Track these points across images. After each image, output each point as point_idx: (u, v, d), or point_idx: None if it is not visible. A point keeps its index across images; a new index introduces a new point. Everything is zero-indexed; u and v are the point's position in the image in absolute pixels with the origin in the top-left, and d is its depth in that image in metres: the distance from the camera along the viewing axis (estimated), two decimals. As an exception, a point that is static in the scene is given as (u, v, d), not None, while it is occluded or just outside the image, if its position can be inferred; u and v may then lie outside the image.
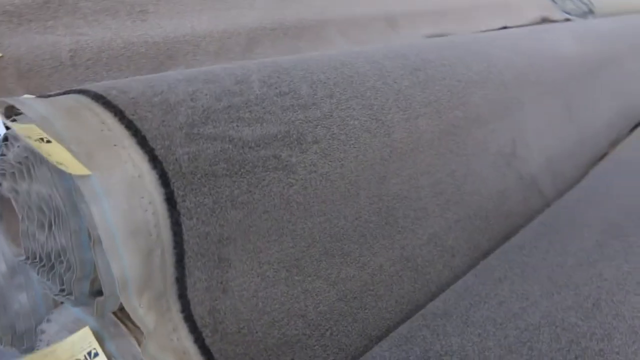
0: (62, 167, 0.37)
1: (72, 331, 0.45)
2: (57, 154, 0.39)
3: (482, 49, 0.80)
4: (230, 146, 0.45)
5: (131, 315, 0.40)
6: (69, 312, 0.47)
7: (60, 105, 0.42)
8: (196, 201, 0.42)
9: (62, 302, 0.51)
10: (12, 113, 0.46)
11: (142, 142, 0.41)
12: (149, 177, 0.40)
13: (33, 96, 0.52)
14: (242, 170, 0.45)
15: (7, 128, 0.45)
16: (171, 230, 0.41)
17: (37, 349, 0.48)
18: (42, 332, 0.48)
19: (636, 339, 0.44)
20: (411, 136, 0.62)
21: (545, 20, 1.56)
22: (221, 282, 0.46)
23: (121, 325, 0.44)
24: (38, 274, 0.45)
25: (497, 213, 0.75)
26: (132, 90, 0.46)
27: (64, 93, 0.47)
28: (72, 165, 0.38)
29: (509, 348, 0.44)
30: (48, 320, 0.48)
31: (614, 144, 1.09)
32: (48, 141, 0.39)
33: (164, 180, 0.41)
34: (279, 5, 1.00)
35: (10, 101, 0.44)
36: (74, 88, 0.48)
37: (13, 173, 0.43)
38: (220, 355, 0.45)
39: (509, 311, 0.50)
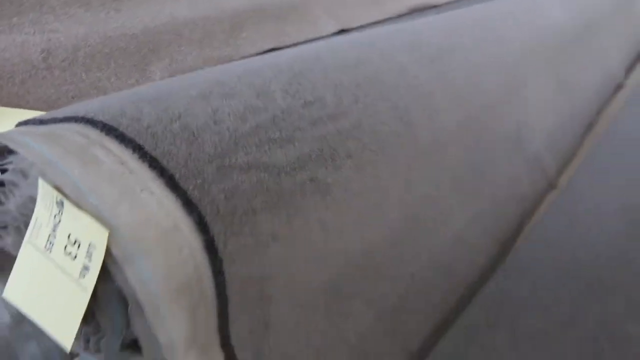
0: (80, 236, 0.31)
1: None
2: (72, 213, 0.32)
3: (488, 25, 0.75)
4: (266, 175, 0.39)
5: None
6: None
7: (67, 145, 0.35)
8: (238, 243, 0.37)
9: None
10: (3, 150, 0.39)
11: (172, 183, 0.35)
12: (186, 226, 0.34)
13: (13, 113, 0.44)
14: (280, 201, 0.40)
15: (2, 171, 0.38)
16: (214, 280, 0.36)
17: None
18: (62, 388, 0.43)
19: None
20: (435, 134, 0.57)
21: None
22: (264, 322, 0.41)
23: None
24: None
25: (510, 200, 0.72)
26: (144, 116, 0.39)
27: (62, 120, 0.40)
28: (88, 224, 0.32)
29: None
30: (68, 378, 0.42)
31: (600, 111, 1.08)
32: (60, 201, 0.33)
33: (202, 226, 0.35)
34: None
35: (3, 140, 0.36)
36: (68, 113, 0.40)
37: (18, 227, 0.36)
38: (270, 403, 0.40)
39: (558, 319, 0.47)
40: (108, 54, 0.68)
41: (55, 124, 0.40)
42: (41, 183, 0.33)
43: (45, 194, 0.33)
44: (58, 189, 0.33)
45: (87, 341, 0.38)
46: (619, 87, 1.21)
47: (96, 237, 0.32)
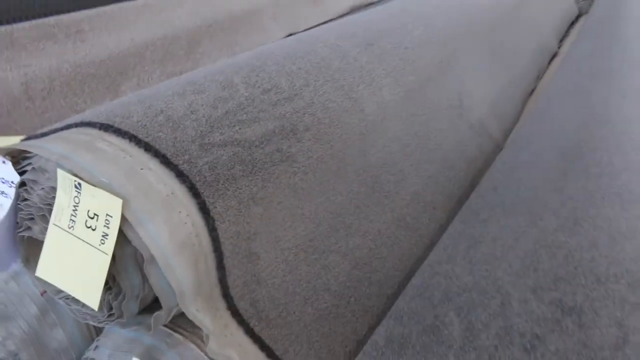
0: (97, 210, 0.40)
1: (127, 351, 0.48)
2: (89, 191, 0.41)
3: (418, 11, 0.87)
4: (240, 149, 0.49)
5: (192, 319, 0.44)
6: (118, 334, 0.50)
7: (75, 142, 0.45)
8: (224, 205, 0.46)
9: (101, 328, 0.54)
10: (18, 158, 0.48)
11: (165, 161, 0.44)
12: (181, 192, 0.44)
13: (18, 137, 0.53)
14: (255, 168, 0.49)
15: (20, 174, 0.47)
16: (209, 236, 0.45)
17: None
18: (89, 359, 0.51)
19: (615, 244, 0.52)
20: (380, 108, 0.68)
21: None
22: (254, 275, 0.50)
23: (175, 334, 0.48)
24: (82, 305, 0.47)
25: (460, 162, 0.82)
26: (133, 114, 0.48)
27: (63, 128, 0.49)
28: (104, 197, 0.41)
29: (517, 274, 0.52)
30: (96, 348, 0.51)
31: (539, 77, 1.21)
32: (78, 184, 0.42)
33: (194, 192, 0.44)
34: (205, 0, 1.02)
35: (21, 146, 0.45)
36: (69, 122, 0.49)
37: (43, 215, 0.45)
38: (271, 340, 0.49)
39: (504, 245, 0.58)
40: (81, 80, 0.77)
41: (58, 132, 0.49)
42: (60, 173, 0.42)
43: (64, 181, 0.42)
44: (75, 175, 0.42)
45: (110, 308, 0.47)
46: (554, 55, 1.35)
47: (112, 207, 0.41)
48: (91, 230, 0.42)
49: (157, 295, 0.44)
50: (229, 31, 0.98)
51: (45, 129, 0.51)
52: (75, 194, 0.42)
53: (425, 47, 0.81)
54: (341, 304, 0.56)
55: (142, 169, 0.43)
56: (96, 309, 0.43)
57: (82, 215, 0.42)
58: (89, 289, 0.43)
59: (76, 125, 0.48)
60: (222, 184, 0.46)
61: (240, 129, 0.50)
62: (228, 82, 0.55)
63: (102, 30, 0.85)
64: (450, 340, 0.47)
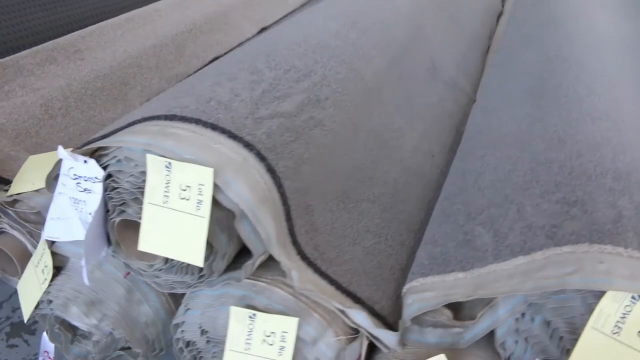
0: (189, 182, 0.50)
1: (221, 305, 0.58)
2: (179, 168, 0.51)
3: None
4: (283, 119, 0.60)
5: (278, 260, 0.54)
6: (205, 295, 0.59)
7: (149, 132, 0.54)
8: (284, 165, 0.57)
9: (179, 301, 0.63)
10: (94, 157, 0.57)
11: (232, 135, 0.55)
12: (251, 158, 0.54)
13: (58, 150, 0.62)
14: (298, 134, 0.60)
15: (104, 168, 0.56)
16: (278, 192, 0.55)
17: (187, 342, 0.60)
18: (181, 323, 0.60)
19: (595, 151, 0.66)
20: (375, 75, 0.79)
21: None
22: (312, 224, 0.61)
23: (259, 283, 0.58)
24: (175, 273, 0.57)
25: (443, 115, 0.95)
26: (188, 104, 0.58)
27: (126, 126, 0.58)
28: (195, 170, 0.51)
29: (523, 187, 0.64)
30: (186, 311, 0.60)
31: (491, 36, 1.35)
32: (168, 163, 0.51)
33: (260, 157, 0.55)
34: (180, 7, 1.11)
35: (103, 143, 0.55)
36: (125, 122, 0.59)
37: (136, 198, 0.54)
38: (336, 276, 0.60)
39: (505, 170, 0.70)
40: (92, 94, 0.85)
41: (124, 129, 0.58)
42: (150, 157, 0.52)
43: (154, 164, 0.52)
44: (163, 157, 0.52)
45: (200, 270, 0.56)
46: (500, 14, 1.51)
47: (204, 176, 0.51)
48: (185, 201, 0.52)
49: (247, 245, 0.54)
50: (208, 32, 1.07)
51: (102, 132, 0.60)
52: (166, 172, 0.52)
53: (398, 23, 0.93)
54: (381, 240, 0.67)
55: (215, 144, 0.53)
56: (202, 265, 0.53)
57: (175, 190, 0.52)
58: (191, 250, 0.53)
59: (138, 121, 0.57)
60: (279, 149, 0.57)
61: (278, 103, 0.61)
62: (253, 68, 0.65)
63: (96, 47, 0.93)
64: (484, 246, 0.59)
